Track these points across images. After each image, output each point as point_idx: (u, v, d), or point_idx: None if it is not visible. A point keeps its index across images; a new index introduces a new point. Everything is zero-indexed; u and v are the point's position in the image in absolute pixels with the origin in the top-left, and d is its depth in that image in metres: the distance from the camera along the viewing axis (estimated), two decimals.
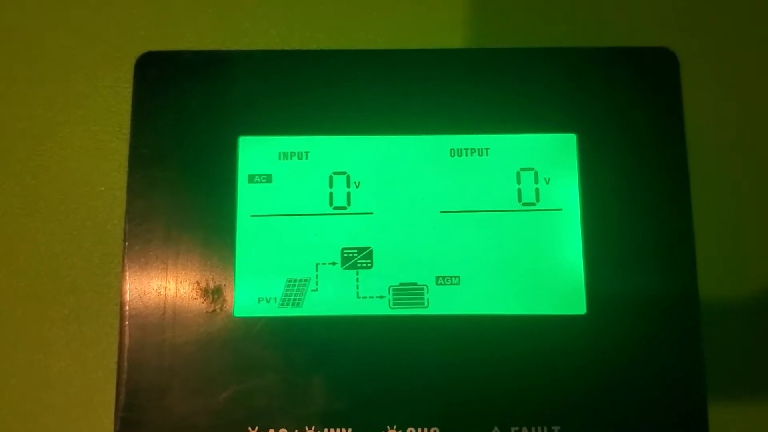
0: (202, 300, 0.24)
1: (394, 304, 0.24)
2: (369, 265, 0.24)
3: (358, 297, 0.24)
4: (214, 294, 0.24)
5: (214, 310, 0.23)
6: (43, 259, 0.25)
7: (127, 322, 0.23)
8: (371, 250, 0.24)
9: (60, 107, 0.27)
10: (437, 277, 0.24)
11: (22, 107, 0.27)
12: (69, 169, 0.26)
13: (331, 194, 0.25)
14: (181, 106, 0.24)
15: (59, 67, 0.27)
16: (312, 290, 0.24)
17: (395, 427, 0.23)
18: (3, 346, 0.25)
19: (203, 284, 0.24)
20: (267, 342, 0.23)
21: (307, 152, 0.25)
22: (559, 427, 0.23)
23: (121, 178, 0.24)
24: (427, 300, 0.24)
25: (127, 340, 0.23)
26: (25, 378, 0.25)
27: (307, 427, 0.23)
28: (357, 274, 0.24)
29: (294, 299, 0.24)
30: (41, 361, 0.25)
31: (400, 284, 0.24)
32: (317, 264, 0.24)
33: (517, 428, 0.23)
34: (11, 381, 0.25)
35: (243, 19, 0.27)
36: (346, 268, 0.24)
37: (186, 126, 0.24)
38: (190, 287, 0.24)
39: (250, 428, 0.23)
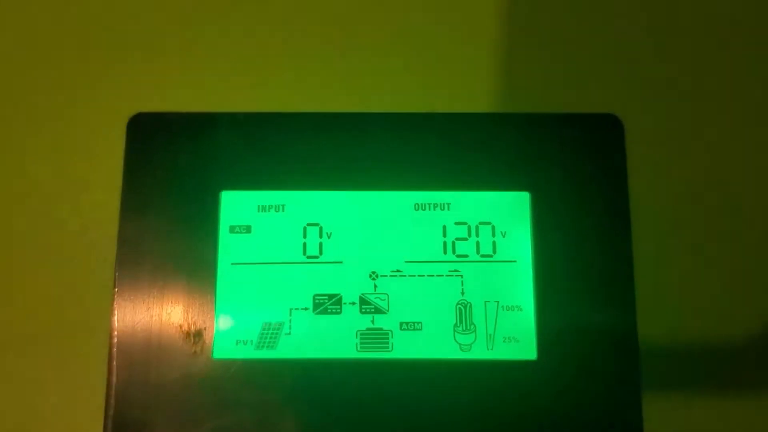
0: (183, 342, 0.25)
1: (361, 347, 0.26)
2: (338, 310, 0.26)
3: (328, 341, 0.26)
4: (195, 337, 0.25)
5: (194, 352, 0.25)
6: (39, 304, 0.27)
7: (114, 362, 0.25)
8: (340, 297, 0.26)
9: (55, 163, 0.28)
10: (401, 323, 0.26)
11: (20, 163, 0.28)
12: (62, 220, 0.28)
13: (304, 244, 0.26)
14: (169, 163, 0.27)
15: (55, 124, 0.29)
16: (285, 334, 0.26)
17: None
18: None
19: (185, 327, 0.26)
20: (243, 382, 0.25)
21: (283, 205, 0.27)
22: None
23: (112, 228, 0.26)
24: (392, 344, 0.26)
25: (114, 379, 0.25)
26: (20, 414, 0.27)
27: None
28: (327, 319, 0.26)
29: (269, 342, 0.26)
30: (35, 398, 0.27)
31: (367, 329, 0.26)
32: (291, 309, 0.26)
33: None
34: (7, 416, 0.27)
35: (226, 83, 0.29)
36: (317, 314, 0.26)
37: (173, 181, 0.26)
38: (174, 330, 0.25)
39: None
